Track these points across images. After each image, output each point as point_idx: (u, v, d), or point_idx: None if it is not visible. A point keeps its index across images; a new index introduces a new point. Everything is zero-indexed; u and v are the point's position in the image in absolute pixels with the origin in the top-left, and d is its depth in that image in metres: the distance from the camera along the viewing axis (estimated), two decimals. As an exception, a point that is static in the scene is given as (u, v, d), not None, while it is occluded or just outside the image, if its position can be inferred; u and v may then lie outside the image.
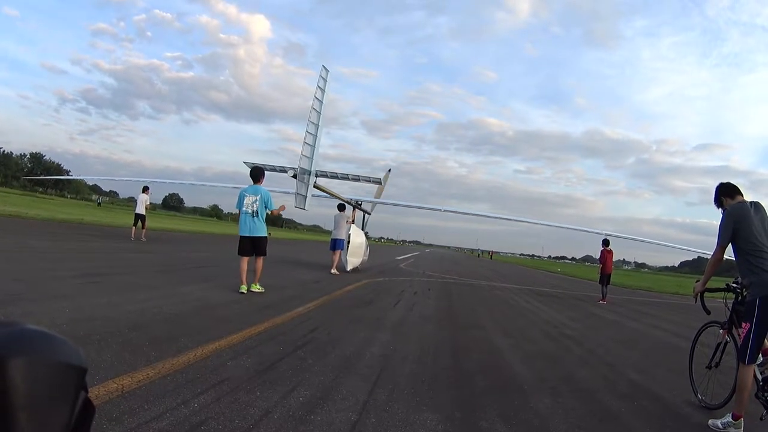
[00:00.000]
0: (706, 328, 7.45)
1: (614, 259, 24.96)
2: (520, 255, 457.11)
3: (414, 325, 11.20)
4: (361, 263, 25.91)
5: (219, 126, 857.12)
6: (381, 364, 7.27)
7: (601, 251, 24.06)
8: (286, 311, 10.48)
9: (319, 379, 6.17)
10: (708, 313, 6.82)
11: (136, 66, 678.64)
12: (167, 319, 8.34)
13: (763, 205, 6.47)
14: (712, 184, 6.93)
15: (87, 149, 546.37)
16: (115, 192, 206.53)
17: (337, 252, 23.04)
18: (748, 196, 6.61)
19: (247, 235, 12.95)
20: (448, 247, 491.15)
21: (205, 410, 4.66)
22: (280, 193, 29.42)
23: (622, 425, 5.87)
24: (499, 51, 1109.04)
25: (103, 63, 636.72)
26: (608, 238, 24.62)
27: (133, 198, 33.24)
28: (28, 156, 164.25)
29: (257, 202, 12.82)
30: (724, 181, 6.79)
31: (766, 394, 5.96)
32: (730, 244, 6.36)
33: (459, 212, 48.90)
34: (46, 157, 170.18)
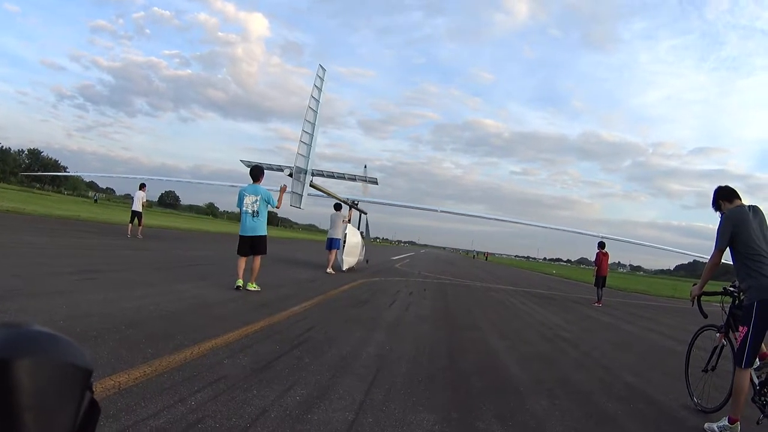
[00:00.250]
0: (703, 331, 7.46)
1: (610, 261, 25.00)
2: (515, 256, 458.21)
3: (410, 325, 11.20)
4: (357, 263, 25.91)
5: (216, 124, 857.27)
6: (377, 364, 7.27)
7: (597, 254, 24.08)
8: (282, 310, 10.47)
9: (315, 378, 6.17)
10: (705, 316, 6.83)
11: (135, 63, 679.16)
12: (164, 317, 8.34)
13: (761, 209, 6.47)
14: (709, 188, 6.96)
15: (84, 146, 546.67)
16: (112, 189, 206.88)
17: (333, 251, 23.07)
18: (745, 200, 6.62)
19: (248, 234, 12.96)
20: (444, 248, 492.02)
21: (201, 408, 4.65)
22: (276, 192, 29.40)
23: (618, 428, 5.88)
24: (496, 52, 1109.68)
25: (101, 60, 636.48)
26: (604, 240, 24.65)
27: (130, 195, 33.24)
28: (26, 152, 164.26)
29: (257, 202, 12.84)
30: (722, 184, 6.79)
31: (762, 398, 5.98)
32: (727, 248, 6.37)
33: (455, 213, 48.85)
34: (44, 153, 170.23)
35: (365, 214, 31.44)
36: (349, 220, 24.87)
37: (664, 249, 43.43)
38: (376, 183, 25.39)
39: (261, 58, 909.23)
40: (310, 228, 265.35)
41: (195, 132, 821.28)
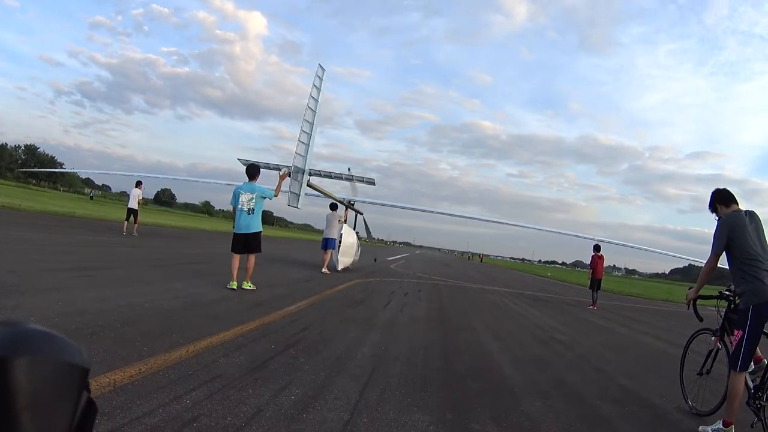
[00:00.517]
0: (698, 335, 7.50)
1: (605, 264, 24.99)
2: (510, 258, 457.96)
3: (405, 326, 11.21)
4: (352, 263, 25.89)
5: (213, 122, 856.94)
6: (372, 364, 7.28)
7: (592, 257, 24.14)
8: (278, 309, 10.47)
9: (310, 377, 6.17)
10: (701, 320, 6.85)
11: (132, 60, 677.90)
12: (159, 315, 8.33)
13: (757, 214, 6.49)
14: (705, 192, 6.96)
15: (81, 142, 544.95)
16: (108, 186, 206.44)
17: (329, 251, 23.05)
18: (741, 205, 6.64)
19: (242, 232, 12.94)
20: (439, 249, 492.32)
21: (197, 407, 4.65)
22: (272, 189, 29.39)
23: (613, 430, 5.90)
24: (494, 54, 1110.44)
25: (99, 56, 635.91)
26: (599, 243, 24.70)
27: (126, 192, 33.26)
28: (22, 147, 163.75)
29: (253, 200, 12.85)
30: (720, 187, 6.80)
31: (757, 401, 6.02)
32: (724, 253, 6.38)
33: (450, 214, 48.85)
34: (41, 149, 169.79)
35: (361, 214, 31.44)
36: (345, 221, 24.85)
37: (659, 253, 43.53)
38: (373, 183, 25.35)
39: (259, 57, 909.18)
40: (306, 228, 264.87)
41: (192, 130, 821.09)
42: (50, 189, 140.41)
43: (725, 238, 6.28)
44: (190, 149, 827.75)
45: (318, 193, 22.95)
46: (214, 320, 8.53)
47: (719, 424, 6.03)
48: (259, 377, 5.85)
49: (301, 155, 18.67)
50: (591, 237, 31.12)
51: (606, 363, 10.03)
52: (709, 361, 7.05)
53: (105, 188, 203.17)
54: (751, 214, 6.45)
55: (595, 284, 23.92)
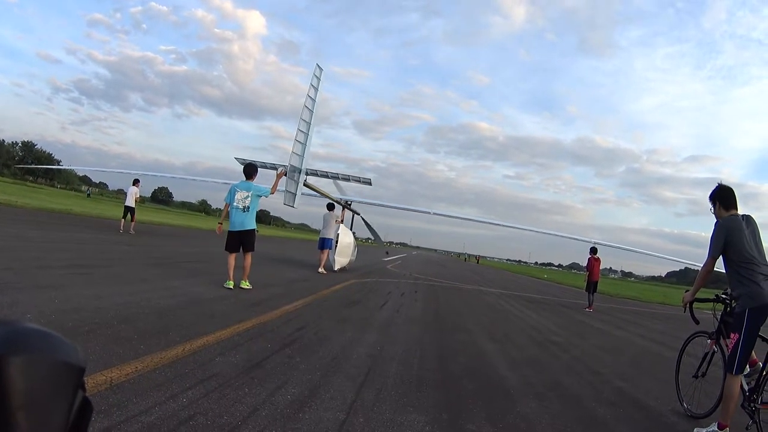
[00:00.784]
0: (694, 338, 7.53)
1: (601, 267, 25.03)
2: (506, 260, 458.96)
3: (401, 326, 11.21)
4: (349, 263, 25.90)
5: (210, 121, 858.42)
6: (368, 365, 7.28)
7: (589, 259, 24.15)
8: (274, 309, 10.48)
9: (306, 377, 6.17)
10: (697, 322, 6.85)
11: (130, 58, 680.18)
12: (156, 313, 8.32)
13: (754, 218, 6.50)
14: (702, 196, 6.94)
15: (78, 139, 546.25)
16: (105, 183, 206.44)
17: (325, 251, 23.07)
18: (738, 209, 6.63)
19: (236, 230, 12.93)
20: (435, 250, 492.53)
21: (193, 405, 4.65)
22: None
23: (608, 431, 5.88)
24: (493, 56, 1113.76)
25: (97, 54, 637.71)
26: (596, 246, 24.71)
27: (123, 190, 33.24)
28: (20, 144, 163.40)
29: (249, 198, 12.85)
30: (726, 184, 6.77)
31: (752, 404, 6.04)
32: (720, 256, 6.39)
33: (447, 216, 48.90)
34: (38, 146, 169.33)
35: (358, 214, 31.44)
36: (342, 221, 24.84)
37: (655, 256, 43.63)
38: (370, 183, 25.35)
39: (257, 56, 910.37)
40: (303, 227, 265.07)
41: (189, 128, 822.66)
42: (47, 186, 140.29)
43: (722, 242, 6.29)
44: (187, 148, 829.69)
45: (315, 192, 22.96)
46: (210, 319, 8.53)
47: (714, 427, 6.05)
48: (255, 376, 5.85)
49: (298, 155, 18.69)
50: (587, 239, 31.24)
51: (602, 365, 10.05)
52: (705, 363, 7.08)
53: (102, 186, 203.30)
54: (747, 219, 6.47)
55: (592, 287, 23.91)
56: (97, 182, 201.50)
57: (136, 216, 28.18)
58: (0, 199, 33.74)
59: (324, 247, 23.15)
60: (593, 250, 24.14)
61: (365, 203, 31.91)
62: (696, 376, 7.09)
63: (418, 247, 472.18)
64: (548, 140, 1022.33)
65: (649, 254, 42.74)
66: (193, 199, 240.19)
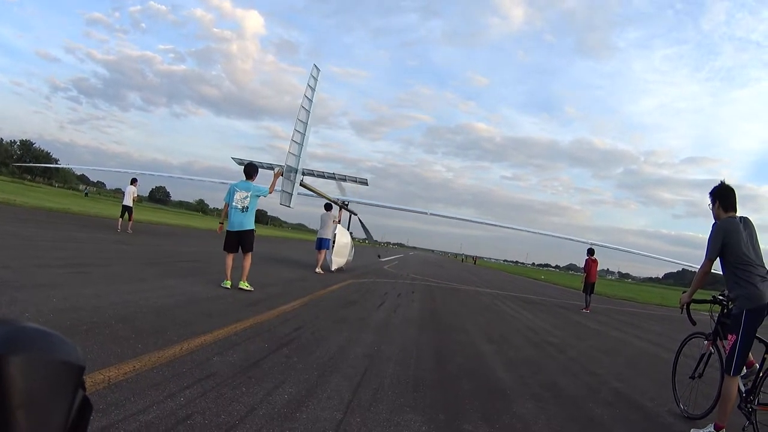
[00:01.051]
0: (690, 339, 7.54)
1: (598, 268, 25.08)
2: (503, 261, 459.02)
3: (398, 326, 11.23)
4: (346, 263, 25.90)
5: (208, 121, 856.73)
6: (365, 365, 7.30)
7: (586, 260, 24.19)
8: (271, 308, 10.49)
9: (304, 377, 6.19)
10: (694, 324, 6.86)
11: (129, 57, 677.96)
12: (153, 312, 8.33)
13: (751, 220, 6.51)
14: (701, 197, 6.95)
15: (76, 138, 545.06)
16: (103, 183, 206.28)
17: (323, 251, 23.10)
18: (737, 211, 6.64)
19: (235, 229, 12.91)
20: (432, 251, 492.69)
21: (191, 404, 4.67)
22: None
23: (604, 432, 5.90)
24: (491, 57, 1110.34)
25: (96, 53, 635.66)
26: (593, 247, 24.73)
27: (120, 189, 33.21)
28: (18, 143, 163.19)
29: (248, 199, 12.84)
30: (728, 184, 6.77)
31: (749, 405, 6.05)
32: (717, 258, 6.40)
33: (444, 216, 48.88)
34: (36, 145, 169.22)
35: (355, 214, 31.45)
36: (339, 221, 24.84)
37: (653, 257, 43.62)
38: (366, 184, 25.33)
39: (255, 56, 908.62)
40: (300, 227, 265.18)
41: (187, 128, 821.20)
42: (45, 185, 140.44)
43: (719, 244, 6.30)
44: (185, 147, 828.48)
45: (312, 192, 22.96)
46: (208, 318, 8.54)
47: (711, 428, 6.08)
48: (252, 376, 5.86)
49: (295, 155, 18.66)
50: (585, 240, 31.24)
51: (598, 366, 10.06)
52: (702, 365, 7.09)
53: (100, 185, 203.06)
54: (745, 221, 6.48)
55: (589, 287, 24.00)
56: (95, 181, 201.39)
57: (134, 215, 28.17)
58: (-2, 198, 33.64)
59: (321, 248, 23.19)
60: (590, 252, 24.17)
61: (362, 203, 31.91)
62: (693, 377, 7.11)
63: (414, 248, 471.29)
64: (546, 141, 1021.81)
65: (646, 255, 42.78)
66: (191, 199, 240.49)
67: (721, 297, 6.74)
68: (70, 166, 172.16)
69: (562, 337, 13.49)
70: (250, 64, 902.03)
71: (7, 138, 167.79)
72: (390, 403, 5.69)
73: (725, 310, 6.67)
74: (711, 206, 6.73)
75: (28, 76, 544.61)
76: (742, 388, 6.17)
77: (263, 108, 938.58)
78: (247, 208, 12.89)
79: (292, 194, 18.92)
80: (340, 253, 24.45)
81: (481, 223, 51.25)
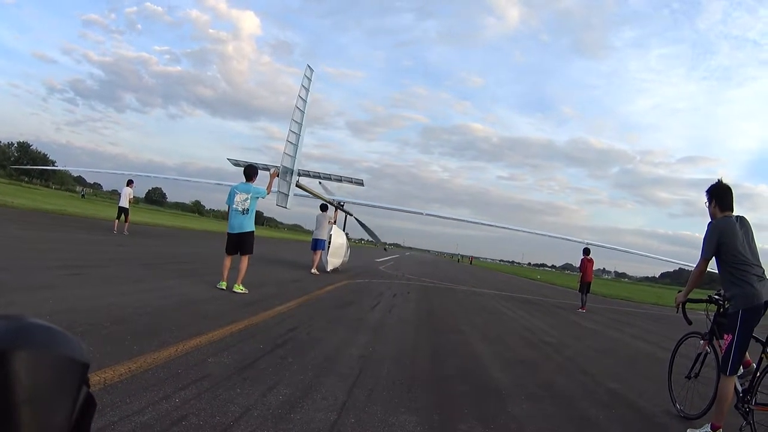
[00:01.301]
0: (686, 338, 7.53)
1: (594, 268, 25.03)
2: (499, 261, 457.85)
3: (393, 327, 11.24)
4: (342, 264, 25.88)
5: (204, 121, 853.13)
6: (360, 365, 7.30)
7: (582, 260, 24.10)
8: (267, 309, 10.48)
9: (298, 377, 6.18)
10: (690, 323, 6.86)
11: (125, 58, 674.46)
12: (149, 313, 8.33)
13: (747, 219, 6.53)
14: (697, 197, 7.02)
15: (73, 140, 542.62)
16: (99, 184, 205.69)
17: (318, 252, 23.07)
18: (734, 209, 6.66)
19: (235, 232, 12.92)
20: (428, 251, 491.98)
21: (186, 405, 4.67)
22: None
23: (599, 432, 5.92)
24: (486, 57, 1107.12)
25: (92, 54, 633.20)
26: (589, 247, 24.71)
27: (117, 190, 33.16)
28: (15, 145, 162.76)
29: (248, 200, 12.84)
30: (724, 182, 6.78)
31: (745, 404, 6.04)
32: (713, 257, 6.42)
33: (440, 216, 48.82)
34: (33, 147, 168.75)
35: (351, 215, 31.43)
36: (335, 222, 24.82)
37: (649, 257, 43.61)
38: (362, 184, 25.31)
39: (251, 57, 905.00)
40: (296, 228, 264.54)
41: (183, 129, 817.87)
42: (42, 186, 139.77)
43: (715, 243, 6.31)
44: (181, 148, 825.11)
45: (307, 193, 22.94)
46: (203, 320, 8.53)
47: (707, 428, 6.06)
48: (247, 377, 5.87)
49: (290, 155, 18.67)
50: (581, 240, 31.19)
51: (594, 366, 10.07)
52: (698, 364, 7.08)
53: (96, 186, 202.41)
54: (741, 220, 6.48)
55: (585, 287, 23.91)
56: (92, 183, 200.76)
57: (130, 216, 28.11)
58: (-5, 200, 33.59)
59: (317, 248, 23.13)
60: (586, 251, 24.12)
61: (358, 204, 31.89)
62: (689, 377, 7.09)
63: (411, 248, 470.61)
64: (542, 141, 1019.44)
65: (642, 255, 42.74)
66: (187, 200, 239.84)
67: (717, 296, 6.75)
68: (66, 168, 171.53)
69: (558, 337, 13.49)
70: (246, 64, 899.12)
71: (4, 140, 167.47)
72: (385, 404, 5.69)
73: (721, 310, 6.66)
74: (707, 204, 6.72)
75: (25, 78, 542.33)
76: (739, 388, 6.15)
77: (259, 109, 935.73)
78: (248, 210, 12.89)
79: (288, 195, 18.92)
80: (336, 254, 24.41)
81: (477, 223, 51.11)
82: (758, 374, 6.07)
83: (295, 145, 18.78)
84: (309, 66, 18.94)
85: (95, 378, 4.80)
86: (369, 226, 34.69)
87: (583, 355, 11.25)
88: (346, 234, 28.56)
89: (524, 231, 41.08)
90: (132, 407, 4.42)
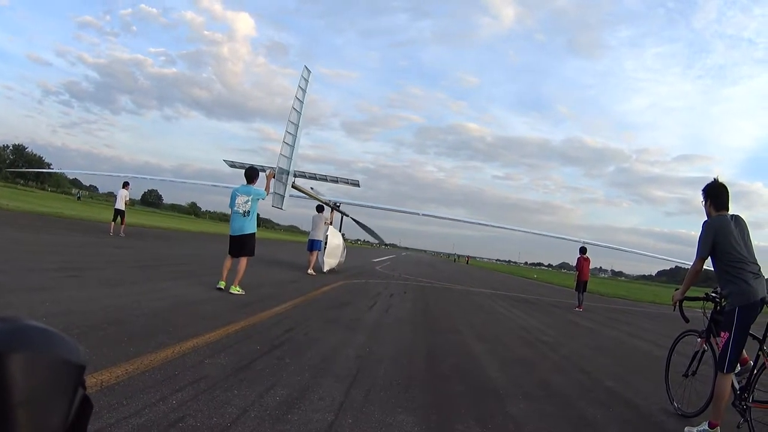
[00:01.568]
0: (683, 336, 7.55)
1: (591, 266, 25.05)
2: (496, 260, 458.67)
3: (390, 327, 11.23)
4: (338, 264, 25.87)
5: (199, 123, 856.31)
6: (357, 366, 7.30)
7: (578, 259, 24.14)
8: (264, 310, 10.48)
9: (296, 378, 6.18)
10: (687, 321, 6.87)
11: (120, 60, 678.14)
12: (145, 315, 8.32)
13: (743, 218, 6.53)
14: (693, 195, 7.03)
15: (68, 142, 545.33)
16: (95, 186, 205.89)
17: (315, 252, 23.10)
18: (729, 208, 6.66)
19: (236, 234, 12.97)
20: (425, 251, 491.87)
21: (183, 407, 4.66)
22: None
23: (598, 431, 5.92)
24: (482, 57, 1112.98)
25: (87, 56, 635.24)
26: (585, 246, 24.73)
27: (113, 193, 33.13)
28: (10, 147, 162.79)
29: (249, 202, 12.87)
30: (720, 181, 6.77)
31: (743, 402, 6.04)
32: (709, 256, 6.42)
33: (436, 216, 48.82)
34: (29, 149, 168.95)
35: (347, 216, 31.42)
36: (331, 222, 24.81)
37: (645, 255, 43.73)
38: (358, 185, 25.29)
39: (246, 58, 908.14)
40: (292, 229, 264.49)
41: (178, 131, 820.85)
42: (38, 189, 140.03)
43: (710, 241, 6.31)
44: (176, 150, 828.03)
45: (303, 194, 22.93)
46: (200, 321, 8.52)
47: (705, 426, 6.07)
48: (244, 378, 5.86)
49: (286, 156, 18.70)
50: (577, 239, 31.25)
51: (591, 364, 10.08)
52: (695, 362, 7.09)
53: (92, 189, 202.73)
54: (736, 218, 6.49)
55: (581, 286, 23.91)
56: (88, 185, 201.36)
57: (126, 219, 28.09)
58: (-9, 203, 33.52)
59: (313, 249, 23.20)
60: (582, 250, 24.15)
61: (354, 205, 31.87)
62: (686, 375, 7.11)
63: (407, 248, 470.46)
64: (537, 140, 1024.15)
65: (639, 253, 42.95)
66: (183, 202, 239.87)
67: (714, 294, 6.76)
68: (62, 171, 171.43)
69: (555, 336, 13.51)
70: (241, 66, 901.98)
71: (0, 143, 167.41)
72: (382, 404, 5.69)
73: (718, 308, 6.69)
74: (703, 203, 6.75)
75: (19, 81, 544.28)
76: (737, 386, 6.16)
77: (254, 110, 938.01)
78: (249, 212, 12.91)
79: (284, 196, 18.93)
80: (332, 254, 24.42)
81: (473, 223, 51.13)
82: (755, 372, 6.07)
83: (291, 146, 18.80)
84: (306, 67, 18.97)
85: (92, 380, 4.79)
86: (368, 226, 34.68)
87: (580, 353, 11.26)
88: (343, 234, 28.54)
89: (520, 230, 41.17)
90: (129, 409, 4.41)
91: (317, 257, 23.22)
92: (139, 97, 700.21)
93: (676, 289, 7.01)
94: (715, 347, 6.49)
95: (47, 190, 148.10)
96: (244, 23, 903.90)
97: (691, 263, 6.77)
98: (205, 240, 40.28)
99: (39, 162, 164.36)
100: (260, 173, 14.25)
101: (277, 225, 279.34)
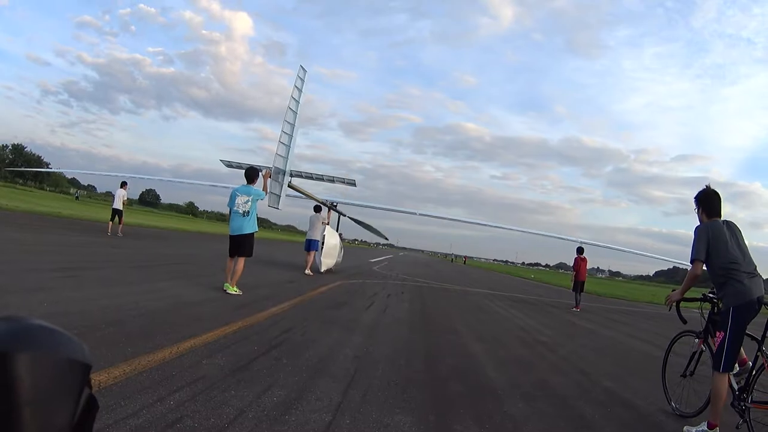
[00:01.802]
0: (681, 337, 7.55)
1: (588, 267, 25.04)
2: (493, 261, 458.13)
3: (387, 327, 11.24)
4: (335, 264, 25.86)
5: (197, 123, 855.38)
6: (355, 366, 7.29)
7: (575, 259, 24.12)
8: (261, 311, 10.48)
9: (293, 379, 6.18)
10: (684, 322, 6.88)
11: (119, 60, 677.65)
12: (143, 315, 8.31)
13: (735, 223, 6.56)
14: (691, 195, 6.96)
15: (67, 142, 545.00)
16: (93, 186, 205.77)
17: (312, 253, 23.11)
18: (726, 208, 6.69)
19: (236, 234, 13.00)
20: (422, 251, 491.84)
21: (180, 408, 4.66)
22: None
23: (597, 431, 5.93)
24: (480, 57, 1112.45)
25: (86, 56, 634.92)
26: (583, 246, 24.72)
27: (111, 192, 33.08)
28: (9, 147, 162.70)
29: (249, 202, 12.91)
30: (712, 188, 6.80)
31: (741, 402, 6.04)
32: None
33: (434, 216, 48.82)
34: (27, 149, 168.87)
35: (344, 215, 31.40)
36: (328, 222, 24.80)
37: (643, 255, 43.71)
38: (354, 185, 25.27)
39: (244, 58, 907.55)
40: (289, 229, 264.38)
41: (177, 130, 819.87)
42: (36, 189, 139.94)
43: (705, 244, 6.33)
44: (174, 150, 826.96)
45: (300, 194, 22.92)
46: (197, 321, 8.52)
47: (704, 426, 6.08)
48: (242, 378, 5.86)
49: (282, 156, 18.69)
50: (574, 239, 31.29)
51: (589, 365, 10.08)
52: (693, 362, 7.11)
53: (90, 188, 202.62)
54: (728, 224, 6.53)
55: (579, 286, 23.93)
56: (86, 185, 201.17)
57: (124, 218, 28.18)
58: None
59: (310, 249, 23.19)
60: (580, 250, 24.14)
61: (351, 204, 31.87)
62: (684, 375, 7.13)
63: (404, 248, 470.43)
64: (535, 140, 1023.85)
65: (636, 253, 42.97)
66: (181, 201, 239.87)
67: (711, 294, 6.76)
68: (61, 170, 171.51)
69: (553, 336, 13.50)
70: (239, 65, 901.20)
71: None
72: (380, 405, 5.69)
73: (715, 309, 6.70)
74: (696, 210, 6.78)
75: (19, 80, 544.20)
76: (735, 386, 6.17)
77: (252, 110, 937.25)
78: (248, 212, 12.95)
79: (280, 196, 18.93)
80: (330, 255, 24.39)
81: (471, 223, 51.18)
82: (754, 372, 6.07)
83: (287, 146, 18.79)
84: (302, 67, 18.94)
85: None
86: (370, 225, 34.65)
87: (577, 354, 11.26)
88: (340, 234, 28.54)
89: (518, 230, 41.23)
90: (127, 410, 4.41)
91: (314, 257, 23.23)
92: (137, 96, 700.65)
93: (673, 290, 7.02)
94: (713, 347, 6.50)
95: (46, 190, 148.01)
96: (242, 23, 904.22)
97: (689, 263, 6.77)
98: (203, 240, 40.33)
99: (38, 161, 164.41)
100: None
101: (274, 225, 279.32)
